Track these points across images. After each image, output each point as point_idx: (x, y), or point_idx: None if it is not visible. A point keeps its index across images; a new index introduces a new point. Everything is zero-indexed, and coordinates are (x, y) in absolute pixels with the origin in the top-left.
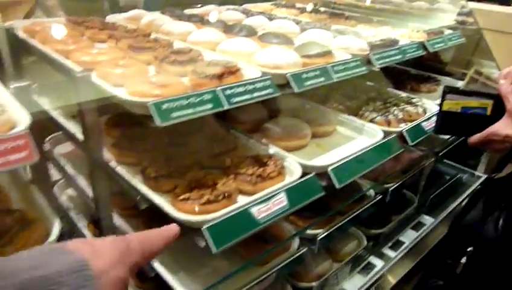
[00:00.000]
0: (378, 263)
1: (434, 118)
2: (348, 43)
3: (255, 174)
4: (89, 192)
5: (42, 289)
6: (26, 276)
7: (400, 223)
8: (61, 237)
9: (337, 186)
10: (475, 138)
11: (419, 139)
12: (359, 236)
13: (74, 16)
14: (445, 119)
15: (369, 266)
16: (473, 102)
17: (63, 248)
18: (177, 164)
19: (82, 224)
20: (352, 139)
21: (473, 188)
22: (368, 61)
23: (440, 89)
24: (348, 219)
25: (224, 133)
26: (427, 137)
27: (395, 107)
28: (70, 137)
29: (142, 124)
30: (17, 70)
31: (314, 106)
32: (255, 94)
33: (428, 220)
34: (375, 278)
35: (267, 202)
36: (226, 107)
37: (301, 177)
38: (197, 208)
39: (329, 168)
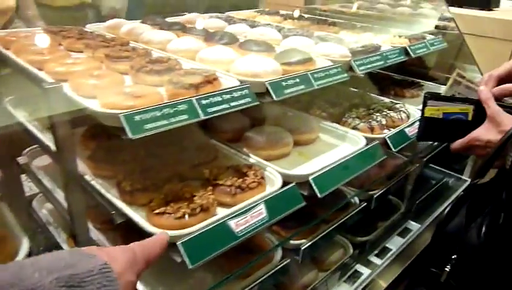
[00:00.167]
0: (364, 271)
1: (417, 124)
2: (330, 49)
3: (234, 185)
4: (65, 206)
5: (73, 285)
6: (61, 273)
7: (386, 229)
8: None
9: (319, 195)
10: (457, 144)
11: (403, 145)
12: (345, 244)
13: (56, 25)
14: (427, 125)
15: (356, 275)
16: (454, 107)
17: (86, 252)
18: (155, 176)
19: (61, 239)
20: (335, 146)
21: (459, 192)
22: (350, 68)
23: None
24: (333, 227)
25: (205, 143)
26: (412, 142)
27: (378, 114)
28: (45, 150)
29: (119, 135)
30: None
31: (297, 114)
32: (233, 103)
33: (414, 226)
34: (361, 287)
35: (245, 214)
36: (202, 117)
37: (282, 186)
38: (172, 222)
39: (310, 177)
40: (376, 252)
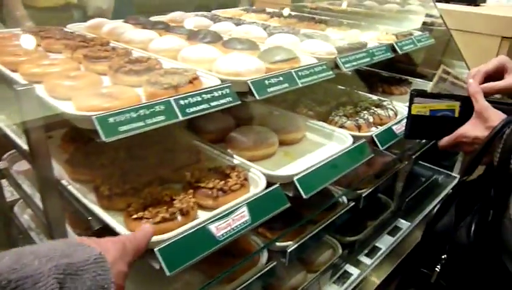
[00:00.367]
0: (354, 271)
1: (405, 121)
2: (315, 47)
3: (216, 188)
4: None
5: (71, 273)
6: (58, 262)
7: (376, 228)
8: None
9: (304, 196)
10: (444, 141)
11: (390, 143)
12: (334, 244)
13: (43, 25)
14: (414, 123)
15: (346, 275)
16: (441, 104)
17: (80, 243)
18: (134, 179)
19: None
20: (322, 145)
21: (449, 189)
22: (336, 65)
23: None
24: (320, 228)
25: (187, 144)
26: (401, 140)
27: (365, 111)
28: (22, 154)
29: None
30: None
31: (283, 113)
32: (213, 103)
33: (404, 224)
34: (351, 288)
35: (226, 218)
36: (181, 118)
37: (267, 188)
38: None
39: (295, 178)
40: (366, 251)
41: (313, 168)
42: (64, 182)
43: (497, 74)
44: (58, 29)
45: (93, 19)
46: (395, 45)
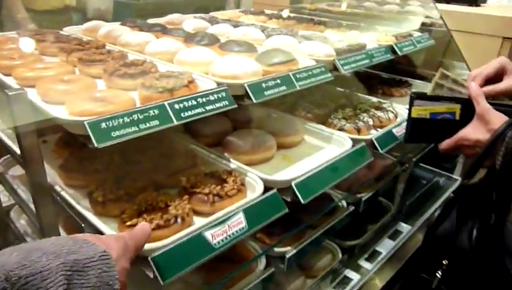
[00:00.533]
0: (354, 276)
1: (405, 124)
2: (314, 49)
3: (212, 193)
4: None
5: (78, 269)
6: (66, 259)
7: (376, 232)
8: None
9: (302, 201)
10: (445, 144)
11: (390, 146)
12: (333, 249)
13: (42, 28)
14: (414, 126)
15: (345, 281)
16: (441, 107)
17: (85, 240)
18: (129, 185)
19: None
20: (321, 149)
21: (450, 191)
22: (334, 67)
23: None
24: (319, 233)
25: (183, 148)
26: (401, 142)
27: (365, 114)
28: (16, 159)
29: None
30: None
31: (281, 116)
32: (209, 107)
33: (405, 227)
34: None
35: (223, 224)
36: (176, 122)
37: (264, 192)
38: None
39: (293, 183)
40: (366, 256)
41: (312, 172)
42: (57, 187)
43: (496, 76)
44: (54, 32)
45: (89, 22)
46: (394, 46)
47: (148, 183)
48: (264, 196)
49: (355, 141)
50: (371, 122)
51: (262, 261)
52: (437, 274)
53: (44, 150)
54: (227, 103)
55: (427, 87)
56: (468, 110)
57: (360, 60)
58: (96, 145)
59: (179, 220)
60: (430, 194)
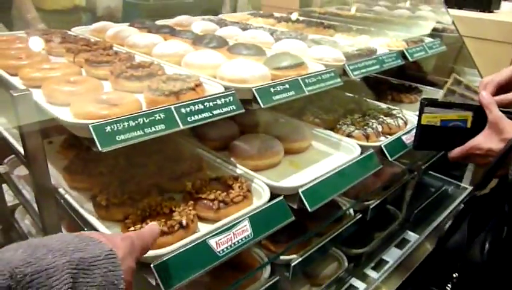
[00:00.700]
0: (360, 285)
1: (414, 132)
2: (323, 53)
3: (218, 199)
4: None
5: (83, 268)
6: (72, 257)
7: (383, 241)
8: None
9: (309, 209)
10: (456, 152)
11: (400, 154)
12: (339, 257)
13: (52, 28)
14: (424, 133)
15: None
16: (452, 114)
17: (91, 237)
18: (133, 188)
19: None
20: (329, 155)
21: (458, 200)
22: (344, 72)
23: None
24: (326, 241)
25: (189, 152)
26: (410, 150)
27: (374, 120)
28: (21, 159)
29: None
30: None
31: (289, 120)
32: (216, 111)
33: (413, 236)
34: None
35: (227, 232)
36: (182, 127)
37: (270, 199)
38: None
39: (300, 190)
40: (372, 264)
41: (319, 179)
42: (61, 190)
43: (509, 84)
44: (62, 32)
45: (98, 22)
46: (405, 51)
47: (153, 187)
48: (270, 203)
49: (363, 148)
50: (380, 129)
51: (267, 269)
52: (447, 288)
53: (50, 150)
54: (234, 108)
55: (437, 94)
56: (480, 118)
57: (371, 66)
58: (100, 149)
59: (183, 226)
60: (438, 203)
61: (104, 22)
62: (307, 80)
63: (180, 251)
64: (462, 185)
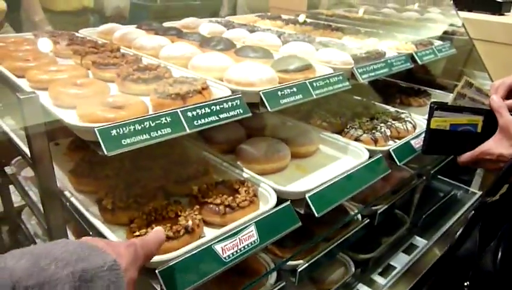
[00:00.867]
0: None
1: (423, 136)
2: (331, 56)
3: (224, 204)
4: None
5: (86, 279)
6: (75, 268)
7: (391, 246)
8: None
9: (316, 215)
10: (466, 157)
11: (408, 159)
12: (346, 262)
13: (61, 30)
14: (433, 138)
15: None
16: (462, 118)
17: (95, 246)
18: (139, 192)
19: None
20: (336, 159)
21: (467, 205)
22: (352, 75)
23: None
24: (332, 246)
25: (195, 155)
26: (419, 153)
27: (382, 124)
28: (27, 161)
29: None
30: None
31: (296, 124)
32: (222, 115)
33: (421, 242)
34: None
35: (234, 237)
36: (188, 131)
37: (277, 204)
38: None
39: (307, 195)
40: (380, 270)
41: (326, 184)
42: (67, 193)
43: None
44: (69, 34)
45: (105, 24)
46: (414, 54)
47: (159, 191)
48: (277, 209)
49: (372, 152)
50: (388, 133)
51: (273, 274)
52: None
53: (56, 152)
54: (241, 111)
55: (446, 98)
56: (490, 122)
57: (379, 69)
58: (106, 153)
59: (189, 231)
60: (447, 208)
61: (112, 24)
62: (314, 84)
63: (186, 256)
64: (471, 189)
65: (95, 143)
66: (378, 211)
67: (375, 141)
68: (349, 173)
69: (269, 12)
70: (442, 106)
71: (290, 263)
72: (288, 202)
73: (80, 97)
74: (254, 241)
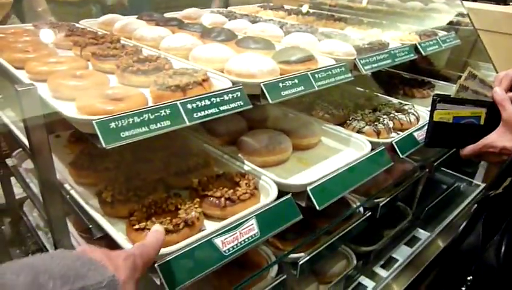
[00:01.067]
0: (369, 283)
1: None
2: (333, 47)
3: (224, 197)
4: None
5: None
6: (73, 286)
7: (393, 238)
8: None
9: (318, 207)
10: (468, 149)
11: (411, 151)
12: (348, 254)
13: (64, 20)
14: (436, 130)
15: (360, 288)
16: (465, 111)
17: (93, 260)
18: (139, 184)
19: (50, 244)
20: (338, 151)
21: (471, 198)
22: (355, 67)
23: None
24: (334, 239)
25: (196, 148)
26: (422, 146)
27: (385, 116)
28: (27, 152)
29: None
30: None
31: (298, 116)
32: (223, 107)
33: (423, 234)
34: None
35: (234, 231)
36: (188, 123)
37: (278, 197)
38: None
39: (308, 188)
40: (382, 263)
41: (328, 177)
42: (67, 186)
43: None
44: (70, 25)
45: (106, 15)
46: (418, 45)
47: (159, 183)
48: (277, 202)
49: (374, 144)
50: (391, 125)
51: (274, 267)
52: None
53: (57, 144)
54: (242, 103)
55: (450, 89)
56: (493, 114)
57: (382, 60)
58: (104, 146)
59: (189, 224)
60: (450, 200)
61: (112, 15)
62: (316, 75)
63: (185, 250)
64: (475, 181)
65: (93, 136)
66: (380, 204)
67: (378, 133)
68: (351, 165)
69: (271, 3)
70: (444, 99)
71: (292, 255)
72: (289, 195)
73: (79, 89)
74: (254, 234)
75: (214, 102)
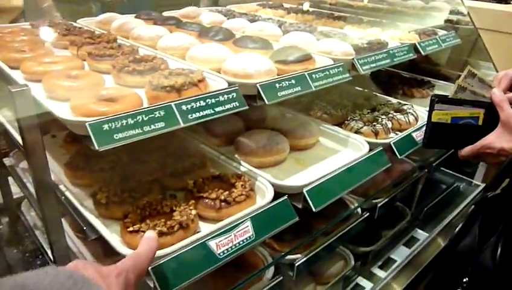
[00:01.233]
0: (367, 284)
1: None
2: (332, 46)
3: (220, 199)
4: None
5: None
6: None
7: (391, 239)
8: None
9: (314, 210)
10: (467, 150)
11: (410, 151)
12: (346, 255)
13: (64, 19)
14: (434, 131)
15: (357, 289)
16: (464, 112)
17: (86, 278)
18: (134, 186)
19: (47, 244)
20: (336, 152)
21: (470, 198)
22: (353, 66)
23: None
24: (331, 240)
25: (192, 148)
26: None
27: (383, 116)
28: (22, 153)
29: None
30: None
31: (295, 116)
32: (218, 108)
33: (422, 235)
34: None
35: (228, 233)
36: (182, 125)
37: (275, 198)
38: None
39: (305, 189)
40: (380, 263)
41: (325, 178)
42: (62, 187)
43: None
44: (67, 24)
45: (104, 14)
46: (417, 45)
47: (155, 185)
48: (273, 204)
49: (372, 145)
50: (389, 125)
51: (271, 269)
52: None
53: (53, 145)
54: (237, 104)
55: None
56: (492, 115)
57: (381, 60)
58: (97, 148)
59: (183, 226)
60: (449, 200)
61: (110, 14)
62: (314, 75)
63: (179, 253)
64: (474, 181)
65: (86, 137)
66: (379, 205)
67: (376, 134)
68: (348, 166)
69: (270, 1)
70: (443, 99)
71: (288, 257)
72: (285, 197)
73: (74, 90)
74: (249, 237)
75: (209, 103)
